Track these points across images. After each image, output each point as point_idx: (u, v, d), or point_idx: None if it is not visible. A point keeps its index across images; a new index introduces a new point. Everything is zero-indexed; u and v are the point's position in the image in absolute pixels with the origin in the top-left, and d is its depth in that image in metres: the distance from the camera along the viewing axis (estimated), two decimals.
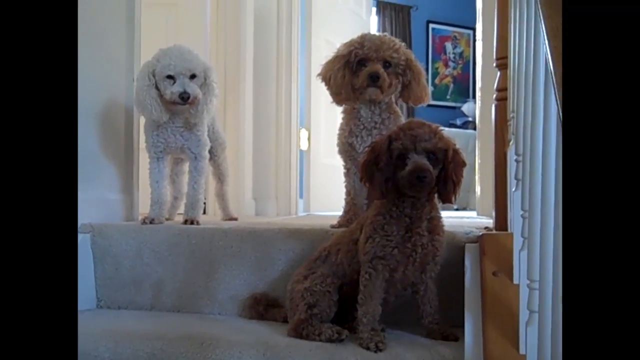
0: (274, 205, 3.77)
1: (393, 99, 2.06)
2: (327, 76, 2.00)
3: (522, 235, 1.28)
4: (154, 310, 2.00)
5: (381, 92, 1.94)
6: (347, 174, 2.06)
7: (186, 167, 2.49)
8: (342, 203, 2.10)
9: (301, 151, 3.99)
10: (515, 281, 1.37)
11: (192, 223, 2.21)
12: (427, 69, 2.08)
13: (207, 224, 2.24)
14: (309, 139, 4.02)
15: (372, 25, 6.11)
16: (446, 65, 8.52)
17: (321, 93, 2.11)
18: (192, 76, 2.17)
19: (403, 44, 2.00)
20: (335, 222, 2.05)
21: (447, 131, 1.53)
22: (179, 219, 2.40)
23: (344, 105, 2.07)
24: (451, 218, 2.87)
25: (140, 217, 2.31)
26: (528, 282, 1.14)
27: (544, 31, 0.93)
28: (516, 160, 1.42)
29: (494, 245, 1.57)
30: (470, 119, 7.50)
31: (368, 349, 1.46)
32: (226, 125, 3.44)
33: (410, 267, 1.53)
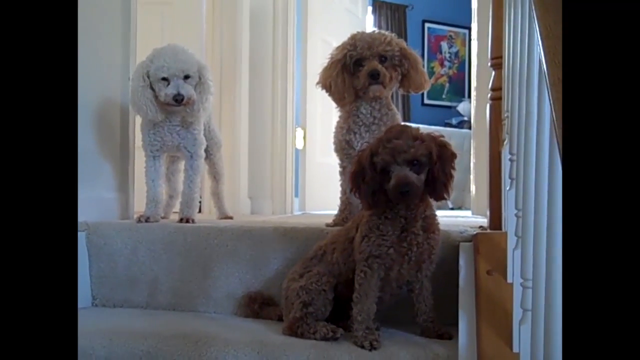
0: (270, 204, 3.78)
1: (390, 96, 2.06)
2: (327, 83, 2.01)
3: (516, 234, 1.29)
4: (149, 309, 2.00)
5: (383, 88, 1.94)
6: (342, 173, 2.06)
7: (182, 165, 2.50)
8: (338, 202, 2.10)
9: (297, 150, 3.99)
10: (509, 280, 1.38)
11: (187, 221, 2.21)
12: (424, 62, 2.07)
13: (202, 222, 2.25)
14: (304, 137, 4.02)
15: (368, 24, 6.11)
16: (442, 65, 8.53)
17: (317, 92, 2.11)
18: (186, 77, 2.17)
19: (394, 35, 2.00)
20: (330, 220, 2.06)
21: (442, 131, 1.54)
22: (175, 217, 2.41)
23: None
24: (446, 217, 2.88)
25: (135, 216, 2.31)
26: (522, 280, 1.15)
27: (538, 31, 0.94)
28: (510, 160, 1.42)
29: (488, 244, 1.57)
30: (465, 118, 7.51)
31: (363, 347, 1.47)
32: (222, 124, 3.44)
33: (406, 266, 1.54)
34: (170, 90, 2.13)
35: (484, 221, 2.07)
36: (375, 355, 1.44)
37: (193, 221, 2.23)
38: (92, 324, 1.73)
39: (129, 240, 2.05)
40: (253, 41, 3.70)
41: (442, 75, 8.52)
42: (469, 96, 7.06)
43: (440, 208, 1.83)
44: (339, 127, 2.07)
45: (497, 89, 1.80)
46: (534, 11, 0.98)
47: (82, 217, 2.07)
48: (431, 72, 8.35)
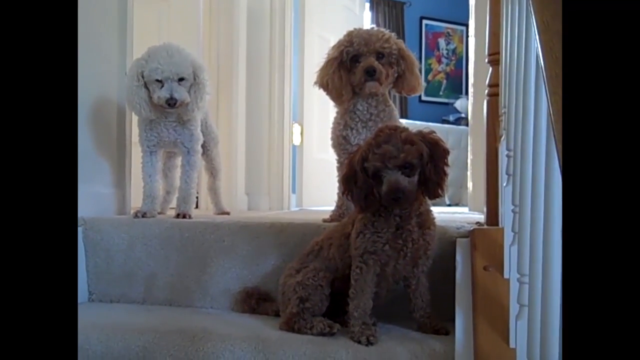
0: (267, 200, 3.77)
1: (387, 92, 2.06)
2: (324, 82, 2.00)
3: (513, 230, 1.29)
4: (146, 304, 2.00)
5: (379, 85, 1.94)
6: (340, 168, 2.06)
7: (179, 161, 2.50)
8: (335, 198, 2.10)
9: (294, 146, 3.99)
10: (506, 275, 1.38)
11: (184, 217, 2.22)
12: (420, 66, 2.07)
13: (199, 218, 2.25)
14: (301, 134, 4.02)
15: (366, 21, 6.10)
16: (439, 62, 8.52)
17: (314, 88, 2.11)
18: (181, 79, 2.17)
19: (393, 33, 2.00)
20: (327, 216, 2.06)
21: (439, 128, 1.53)
22: (172, 213, 2.40)
23: None
24: (443, 213, 2.88)
25: (132, 211, 2.31)
26: (518, 276, 1.15)
27: (535, 26, 0.94)
28: (507, 156, 1.42)
29: (484, 240, 1.58)
30: (463, 115, 7.51)
31: (359, 342, 1.47)
32: (219, 120, 3.44)
33: (402, 262, 1.54)
34: (164, 94, 2.13)
35: (480, 217, 2.08)
36: (372, 351, 1.45)
37: (190, 217, 2.23)
38: (88, 319, 1.73)
39: (126, 236, 2.05)
40: (250, 37, 3.70)
41: (440, 72, 8.52)
42: (466, 93, 7.07)
43: (437, 204, 1.84)
44: (336, 123, 2.07)
45: (494, 85, 1.80)
46: (531, 6, 0.98)
47: (79, 213, 2.07)
48: (429, 69, 8.35)
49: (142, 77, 2.16)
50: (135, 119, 2.41)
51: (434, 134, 1.50)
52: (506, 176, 1.45)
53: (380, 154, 1.42)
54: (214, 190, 2.75)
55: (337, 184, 2.10)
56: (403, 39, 1.89)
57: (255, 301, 1.83)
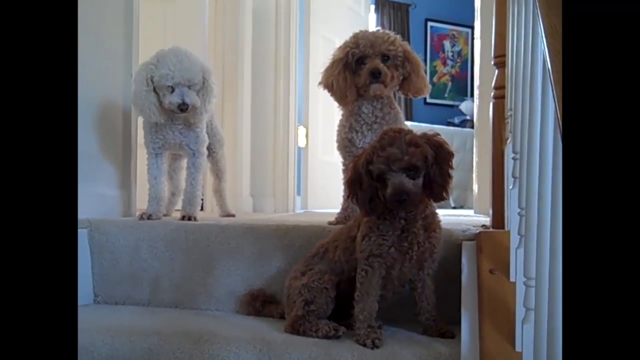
0: (272, 202, 3.78)
1: (392, 94, 2.06)
2: (329, 82, 2.00)
3: (519, 233, 1.28)
4: (151, 306, 2.00)
5: (384, 87, 1.94)
6: (345, 171, 2.05)
7: (184, 163, 2.50)
8: (340, 200, 2.10)
9: (299, 148, 3.99)
10: (512, 279, 1.38)
11: (189, 219, 2.22)
12: (425, 67, 2.07)
13: (204, 220, 2.25)
14: (306, 136, 4.02)
15: (371, 22, 6.10)
16: (444, 64, 8.52)
17: (319, 90, 2.11)
18: (191, 84, 2.18)
19: (398, 36, 2.00)
20: (333, 219, 2.05)
21: (444, 130, 1.53)
22: (177, 215, 2.41)
23: None
24: (448, 216, 2.88)
25: (137, 213, 2.31)
26: (524, 279, 1.15)
27: (542, 29, 0.94)
28: (513, 158, 1.42)
29: (490, 243, 1.57)
30: (468, 117, 7.50)
31: (365, 345, 1.47)
32: (224, 122, 3.44)
33: (407, 264, 1.53)
34: (175, 100, 2.15)
35: (486, 220, 2.07)
36: (377, 354, 1.44)
37: (195, 219, 2.23)
38: (93, 321, 1.73)
39: (131, 238, 2.05)
40: (255, 39, 3.70)
41: (445, 74, 8.51)
42: (472, 95, 7.06)
43: (442, 207, 1.83)
44: (341, 126, 2.07)
45: (500, 87, 1.80)
46: (538, 9, 0.98)
47: (84, 214, 2.07)
48: (434, 71, 8.34)
49: (152, 82, 2.17)
50: (140, 120, 2.41)
51: (439, 137, 1.50)
52: (512, 179, 1.45)
53: (384, 156, 1.42)
54: (219, 193, 2.75)
55: (342, 187, 2.09)
56: (408, 41, 1.90)
57: (261, 303, 1.83)
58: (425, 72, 2.05)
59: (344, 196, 2.07)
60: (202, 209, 3.13)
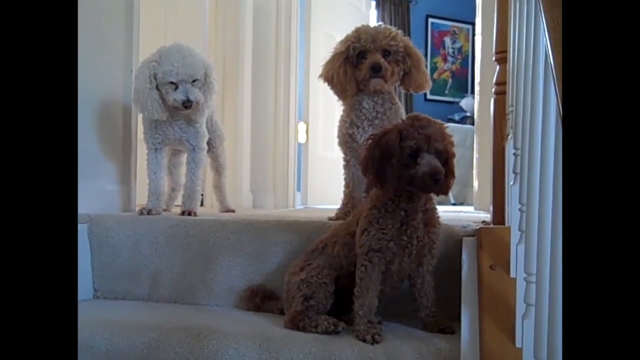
0: (272, 198, 3.77)
1: (394, 90, 2.05)
2: (329, 75, 2.00)
3: (520, 229, 1.28)
4: (151, 301, 2.00)
5: (385, 82, 1.94)
6: (346, 166, 2.06)
7: (184, 158, 2.50)
8: (340, 196, 2.10)
9: (299, 144, 3.99)
10: (512, 275, 1.38)
11: (189, 214, 2.21)
12: (426, 63, 2.07)
13: (204, 215, 2.25)
14: (307, 132, 4.02)
15: (372, 18, 6.10)
16: (445, 60, 8.50)
17: (319, 86, 2.11)
18: (194, 80, 2.18)
19: (400, 31, 1.99)
20: (333, 214, 2.05)
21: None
22: (177, 210, 2.40)
23: None
24: (449, 212, 2.87)
25: (137, 208, 2.31)
26: (525, 275, 1.14)
27: (544, 24, 0.93)
28: (514, 154, 1.42)
29: (491, 239, 1.57)
30: (468, 114, 7.50)
31: (364, 341, 1.46)
32: (224, 118, 3.44)
33: (407, 259, 1.53)
34: (180, 97, 2.14)
35: (486, 216, 2.07)
36: (377, 349, 1.44)
37: (195, 214, 2.23)
38: (93, 316, 1.73)
39: (131, 233, 2.05)
40: (256, 35, 3.69)
41: (445, 71, 8.50)
42: (472, 92, 7.05)
43: (441, 203, 1.83)
44: (342, 121, 2.06)
45: (501, 83, 1.80)
46: (540, 4, 0.97)
47: (84, 209, 2.07)
48: (434, 68, 8.33)
49: (155, 78, 2.16)
50: (140, 116, 2.41)
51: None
52: (513, 175, 1.45)
53: (426, 134, 1.43)
54: (219, 188, 2.74)
55: (342, 182, 2.09)
56: (409, 37, 1.89)
57: (260, 299, 1.83)
58: (426, 68, 2.04)
59: (344, 191, 2.07)
60: (202, 204, 3.13)
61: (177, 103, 2.15)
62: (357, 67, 1.94)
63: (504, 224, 1.69)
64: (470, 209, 3.74)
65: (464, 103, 7.84)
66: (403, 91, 2.11)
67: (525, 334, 1.16)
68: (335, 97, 2.10)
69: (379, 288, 1.53)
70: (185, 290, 1.98)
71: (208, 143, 2.43)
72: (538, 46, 1.16)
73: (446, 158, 1.47)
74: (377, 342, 1.46)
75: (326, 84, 2.04)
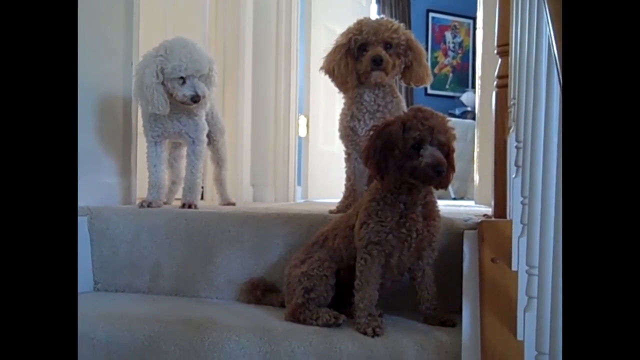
0: (272, 192, 3.77)
1: (395, 83, 2.05)
2: (331, 67, 2.00)
3: (522, 222, 1.28)
4: (151, 294, 2.00)
5: (386, 75, 1.93)
6: (347, 159, 2.05)
7: (184, 151, 2.49)
8: (340, 190, 2.09)
9: (300, 138, 3.98)
10: (514, 268, 1.37)
11: (190, 207, 2.21)
12: (427, 57, 2.06)
13: (205, 208, 2.24)
14: (307, 125, 4.01)
15: (372, 12, 6.08)
16: (445, 55, 8.49)
17: (320, 80, 2.10)
18: (201, 75, 2.18)
19: (402, 24, 1.99)
20: (334, 207, 2.05)
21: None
22: (177, 203, 2.40)
23: None
24: (449, 206, 2.87)
25: (138, 201, 2.30)
26: (527, 268, 1.14)
27: (547, 15, 0.93)
28: (517, 147, 1.41)
29: (492, 232, 1.57)
30: (469, 108, 7.49)
31: (365, 334, 1.46)
32: (225, 112, 3.43)
33: (406, 252, 1.53)
34: (189, 92, 2.15)
35: (487, 210, 2.07)
36: (378, 342, 1.44)
37: (195, 207, 2.23)
38: (93, 308, 1.73)
39: (132, 225, 2.05)
40: (256, 28, 3.68)
41: (446, 66, 8.48)
42: (473, 86, 7.04)
43: (442, 198, 1.83)
44: (343, 114, 2.06)
45: (503, 76, 1.79)
46: None
47: (84, 202, 2.07)
48: (435, 62, 8.32)
49: (162, 73, 2.16)
50: (140, 109, 2.40)
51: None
52: (515, 168, 1.44)
53: (429, 126, 1.43)
54: (219, 181, 2.74)
55: (343, 176, 2.09)
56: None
57: (261, 292, 1.83)
58: (427, 60, 2.04)
59: (345, 184, 2.07)
60: (202, 197, 3.13)
61: (185, 98, 2.16)
62: (358, 59, 1.94)
63: (505, 217, 1.68)
64: (471, 203, 3.74)
65: (465, 98, 7.83)
66: (404, 85, 2.11)
67: (526, 326, 1.15)
68: (336, 91, 2.10)
69: (380, 281, 1.53)
70: (185, 283, 1.98)
71: (208, 136, 2.43)
72: (541, 38, 1.15)
73: (447, 151, 1.47)
74: (377, 335, 1.46)
75: (327, 76, 2.03)
